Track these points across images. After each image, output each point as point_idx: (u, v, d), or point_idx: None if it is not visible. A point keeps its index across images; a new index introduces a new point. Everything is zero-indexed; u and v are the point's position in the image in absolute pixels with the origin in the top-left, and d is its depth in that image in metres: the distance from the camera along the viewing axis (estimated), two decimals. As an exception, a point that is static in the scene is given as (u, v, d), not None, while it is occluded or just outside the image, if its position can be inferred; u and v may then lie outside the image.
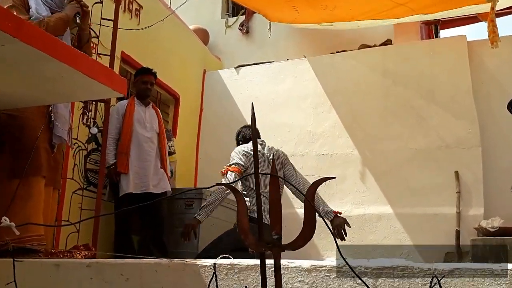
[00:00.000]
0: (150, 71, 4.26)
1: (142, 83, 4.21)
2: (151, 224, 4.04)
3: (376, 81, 5.30)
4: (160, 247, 3.99)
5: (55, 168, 2.99)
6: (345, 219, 3.17)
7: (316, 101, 5.51)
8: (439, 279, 1.59)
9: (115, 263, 2.21)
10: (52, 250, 2.97)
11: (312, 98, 5.54)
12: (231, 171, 3.25)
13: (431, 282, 1.60)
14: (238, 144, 3.65)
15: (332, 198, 5.04)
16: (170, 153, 4.71)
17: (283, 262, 1.82)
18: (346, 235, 3.04)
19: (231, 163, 3.34)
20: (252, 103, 1.55)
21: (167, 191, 4.10)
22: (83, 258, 2.94)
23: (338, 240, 2.93)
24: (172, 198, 4.40)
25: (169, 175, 4.30)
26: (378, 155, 5.06)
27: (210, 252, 3.01)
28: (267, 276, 1.43)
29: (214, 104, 6.01)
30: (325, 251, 4.84)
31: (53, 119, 2.89)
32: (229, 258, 1.88)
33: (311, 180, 1.51)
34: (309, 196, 1.43)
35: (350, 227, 3.04)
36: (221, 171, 3.30)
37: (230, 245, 2.78)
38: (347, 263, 1.52)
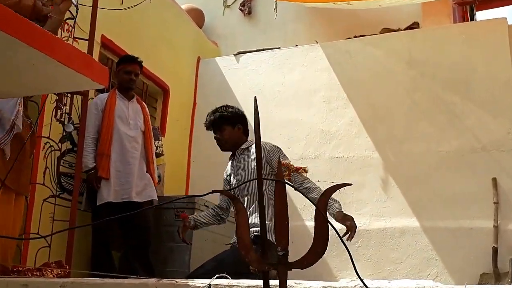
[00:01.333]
0: (135, 59, 4.28)
1: (125, 73, 4.23)
2: (135, 238, 4.05)
3: (400, 72, 5.30)
4: (145, 265, 4.01)
5: (17, 170, 3.00)
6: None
7: (329, 94, 5.51)
8: (473, 304, 1.60)
9: (93, 283, 2.23)
10: (19, 268, 2.99)
11: (325, 91, 5.55)
12: (305, 173, 3.19)
13: (463, 308, 1.61)
14: (229, 124, 3.47)
15: (348, 209, 5.00)
16: (158, 155, 4.73)
17: (289, 283, 1.83)
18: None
19: (287, 160, 3.26)
20: (255, 97, 1.57)
21: (153, 200, 4.12)
22: (56, 277, 2.96)
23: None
24: (160, 208, 4.42)
25: (156, 180, 4.32)
26: (402, 159, 5.06)
27: (208, 276, 3.02)
28: (271, 299, 1.44)
29: (210, 97, 6.01)
30: (339, 271, 4.84)
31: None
32: (226, 278, 1.89)
33: (323, 188, 1.53)
34: (321, 206, 1.44)
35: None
36: (295, 167, 3.18)
37: (235, 267, 2.79)
38: (365, 284, 1.53)
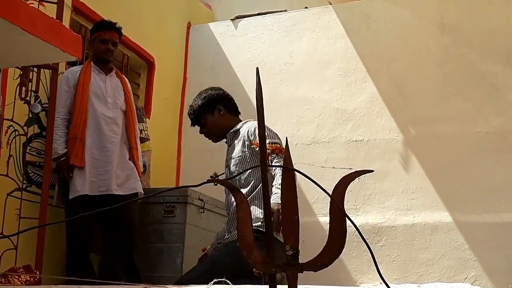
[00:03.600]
0: (113, 25, 4.26)
1: (101, 42, 4.21)
2: (117, 238, 4.07)
3: (430, 39, 5.27)
4: (129, 269, 4.03)
5: None
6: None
7: (346, 66, 5.50)
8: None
9: (68, 290, 2.24)
10: (-19, 274, 3.01)
11: (340, 62, 5.52)
12: (282, 153, 3.20)
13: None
14: (207, 112, 3.52)
15: (369, 202, 5.05)
16: (142, 140, 4.73)
17: (300, 288, 1.84)
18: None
19: (273, 141, 3.28)
20: (257, 69, 1.56)
21: (138, 193, 4.13)
22: (24, 284, 2.98)
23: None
24: (146, 202, 4.43)
25: (141, 169, 4.32)
26: (433, 142, 5.06)
27: (199, 279, 3.04)
28: (279, 308, 1.45)
29: (203, 71, 6.00)
30: (359, 275, 4.87)
31: None
32: (226, 282, 1.90)
33: (339, 176, 1.52)
34: (337, 197, 1.44)
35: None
36: (270, 147, 3.20)
37: (230, 270, 2.80)
38: (390, 289, 1.54)
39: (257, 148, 3.22)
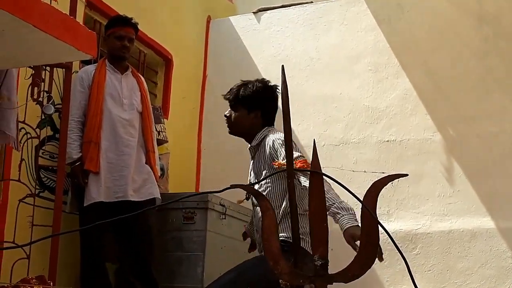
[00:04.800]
0: (129, 21, 4.29)
1: (117, 39, 4.24)
2: (134, 247, 4.10)
3: (468, 30, 5.23)
4: (147, 280, 4.06)
5: None
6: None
7: (376, 61, 5.48)
8: None
9: (84, 302, 2.26)
10: (-8, 285, 3.05)
11: (371, 57, 5.51)
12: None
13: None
14: (245, 106, 3.46)
15: (402, 207, 5.02)
16: (160, 142, 4.76)
17: (330, 301, 1.84)
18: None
19: (297, 155, 3.25)
20: (283, 66, 1.57)
21: (156, 198, 4.16)
22: (37, 295, 3.01)
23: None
24: (164, 209, 4.46)
25: (159, 174, 4.35)
26: (472, 141, 5.02)
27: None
28: (307, 322, 1.46)
29: (224, 68, 6.03)
30: (392, 285, 4.85)
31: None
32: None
33: (371, 181, 1.52)
34: (369, 203, 1.44)
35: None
36: (300, 163, 3.15)
37: (258, 282, 2.80)
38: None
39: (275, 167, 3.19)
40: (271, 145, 3.26)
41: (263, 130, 3.42)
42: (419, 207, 5.01)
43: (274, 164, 3.18)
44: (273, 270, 1.41)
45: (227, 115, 3.48)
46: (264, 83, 3.47)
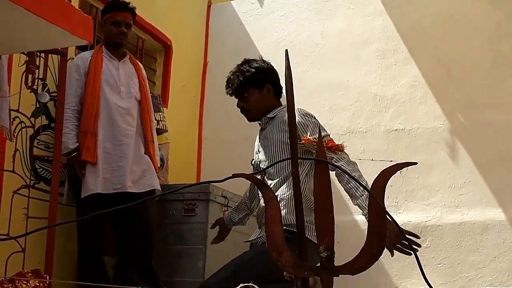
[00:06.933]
0: (126, 5, 4.28)
1: (113, 25, 4.23)
2: (132, 240, 4.12)
3: (480, 14, 5.22)
4: (146, 274, 4.07)
5: None
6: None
7: (385, 47, 5.47)
8: None
9: (81, 297, 2.27)
10: (-14, 279, 3.06)
11: (378, 42, 5.50)
12: (342, 149, 3.14)
13: None
14: (255, 87, 3.45)
15: (412, 198, 5.03)
16: (159, 131, 4.77)
17: (336, 294, 1.84)
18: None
19: (325, 133, 3.24)
20: (287, 51, 1.56)
21: (155, 190, 4.17)
22: (33, 290, 3.03)
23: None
24: (164, 200, 4.47)
25: (158, 164, 4.36)
26: (484, 130, 5.01)
27: (224, 284, 3.06)
28: (312, 315, 1.46)
29: (225, 54, 6.01)
30: (400, 279, 4.86)
31: None
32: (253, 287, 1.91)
33: (379, 170, 1.52)
34: (377, 193, 1.44)
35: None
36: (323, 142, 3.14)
37: (259, 273, 2.80)
38: (436, 295, 1.53)
39: (306, 144, 3.16)
40: (297, 120, 3.22)
41: (281, 107, 3.42)
42: (429, 198, 5.02)
43: (303, 140, 3.15)
44: (276, 262, 1.41)
45: (240, 105, 3.46)
46: (253, 60, 3.48)
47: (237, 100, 3.44)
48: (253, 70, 3.39)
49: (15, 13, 2.20)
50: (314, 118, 3.28)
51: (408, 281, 4.81)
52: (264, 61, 3.48)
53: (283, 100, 3.32)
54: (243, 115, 3.45)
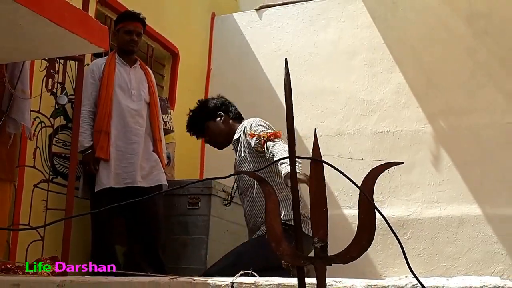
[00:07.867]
0: (137, 16, 4.29)
1: (125, 33, 4.25)
2: (142, 231, 4.12)
3: (459, 27, 5.22)
4: (154, 262, 4.07)
5: (9, 160, 3.07)
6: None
7: (372, 56, 5.47)
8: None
9: (96, 281, 2.27)
10: (8, 265, 3.06)
11: (366, 52, 5.50)
12: (278, 138, 3.19)
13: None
14: (209, 119, 3.58)
15: (395, 194, 5.03)
16: (166, 131, 4.77)
17: (328, 281, 1.85)
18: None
19: (267, 130, 3.29)
20: (286, 59, 1.57)
21: (163, 185, 4.17)
22: (51, 275, 3.03)
23: None
24: (170, 194, 4.47)
25: (165, 161, 4.36)
26: (461, 133, 5.02)
27: (226, 272, 3.07)
28: (307, 300, 1.46)
29: (227, 61, 6.02)
30: (384, 268, 4.86)
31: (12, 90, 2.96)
32: (253, 275, 1.92)
33: (367, 170, 1.52)
34: (367, 189, 1.44)
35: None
36: (265, 135, 3.20)
37: (257, 262, 2.81)
38: (420, 282, 1.53)
39: (252, 139, 3.23)
40: (247, 127, 3.31)
41: (240, 124, 3.49)
42: (410, 194, 5.03)
43: (249, 135, 3.22)
44: (274, 251, 1.42)
45: (206, 140, 3.58)
46: (205, 99, 3.67)
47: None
48: (200, 107, 3.54)
49: (39, 24, 2.20)
50: (261, 121, 3.37)
51: (391, 269, 4.81)
52: (212, 98, 3.72)
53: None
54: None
